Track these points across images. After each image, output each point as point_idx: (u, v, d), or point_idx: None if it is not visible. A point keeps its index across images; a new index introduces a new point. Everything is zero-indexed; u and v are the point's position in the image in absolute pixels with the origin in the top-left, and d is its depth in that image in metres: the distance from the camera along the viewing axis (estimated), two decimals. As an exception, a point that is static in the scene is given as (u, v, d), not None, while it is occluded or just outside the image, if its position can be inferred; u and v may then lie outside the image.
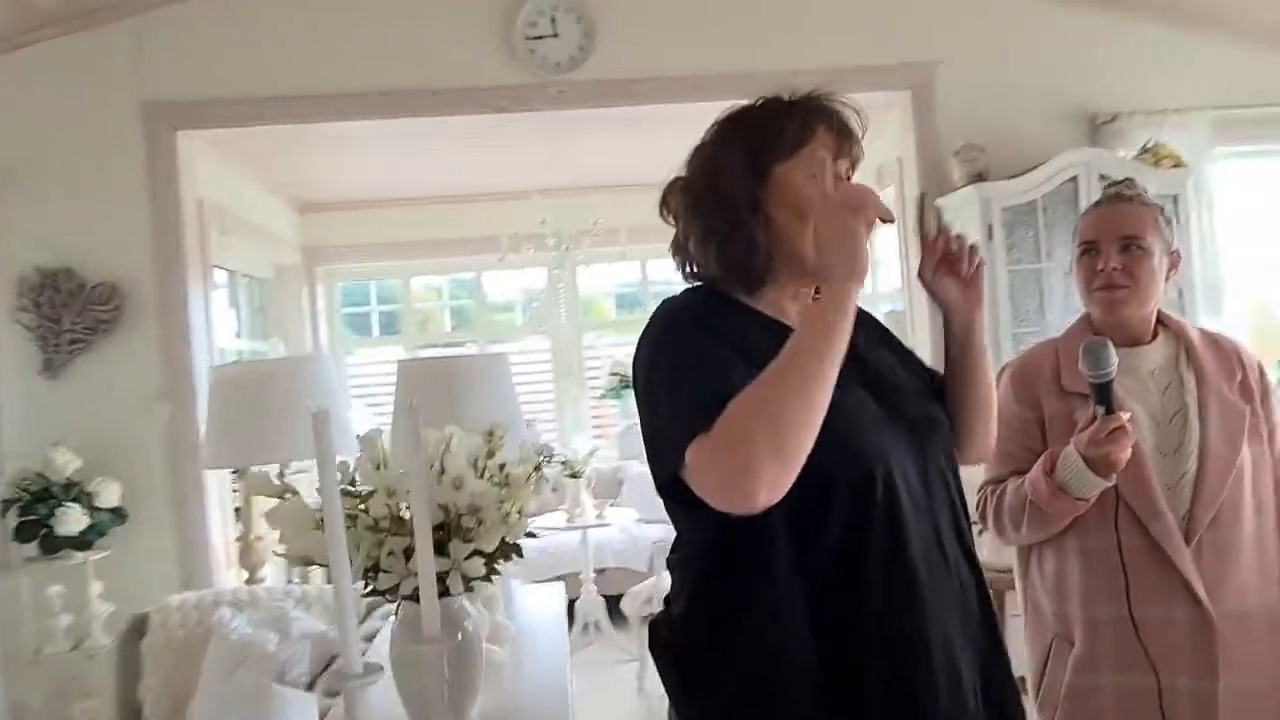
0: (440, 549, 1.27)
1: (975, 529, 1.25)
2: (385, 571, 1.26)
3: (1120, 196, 1.58)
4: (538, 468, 1.38)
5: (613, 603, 4.63)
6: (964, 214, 3.60)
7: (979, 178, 3.54)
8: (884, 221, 1.08)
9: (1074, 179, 3.57)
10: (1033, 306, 3.64)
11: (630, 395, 5.60)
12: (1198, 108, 3.77)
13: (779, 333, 1.08)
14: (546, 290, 6.02)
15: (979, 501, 1.59)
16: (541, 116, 4.12)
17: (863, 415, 1.11)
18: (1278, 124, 3.88)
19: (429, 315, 6.59)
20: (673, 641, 1.16)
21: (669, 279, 6.48)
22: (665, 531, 5.29)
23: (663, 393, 1.09)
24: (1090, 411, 1.43)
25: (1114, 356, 1.41)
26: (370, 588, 1.28)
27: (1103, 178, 3.56)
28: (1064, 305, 3.65)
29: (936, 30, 3.69)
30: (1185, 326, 1.59)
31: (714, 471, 1.01)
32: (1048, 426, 1.54)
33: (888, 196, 3.86)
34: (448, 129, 4.35)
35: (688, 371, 1.07)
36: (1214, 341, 1.58)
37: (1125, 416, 1.40)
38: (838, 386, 1.07)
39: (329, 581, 1.95)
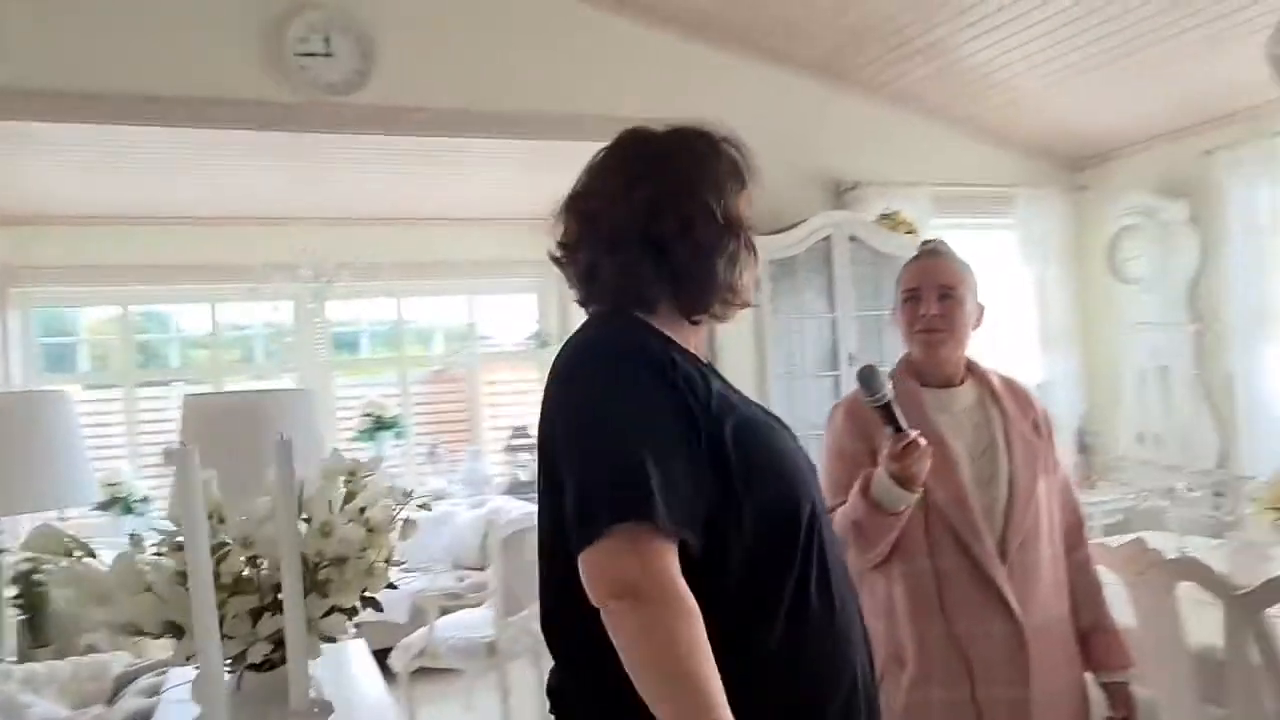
0: (294, 607, 1.11)
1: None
2: (228, 637, 1.08)
3: (937, 252, 1.76)
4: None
5: (376, 658, 4.30)
6: (734, 265, 3.81)
7: (748, 231, 3.78)
8: None
9: (828, 238, 3.92)
10: (794, 351, 3.94)
11: (385, 437, 5.19)
12: (922, 183, 4.32)
13: (705, 373, 1.09)
14: (296, 325, 5.57)
15: None
16: (302, 140, 3.85)
17: (791, 447, 1.12)
18: (980, 201, 4.57)
19: (148, 350, 5.85)
20: (590, 709, 1.05)
21: (423, 320, 6.26)
22: (426, 581, 4.94)
23: (598, 452, 0.98)
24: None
25: (885, 379, 1.53)
26: (206, 657, 1.09)
27: (852, 239, 3.95)
28: (817, 350, 3.98)
29: (701, 90, 3.89)
30: (988, 372, 1.79)
31: (606, 580, 0.93)
32: (878, 459, 1.65)
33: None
34: (193, 143, 3.93)
35: (629, 440, 0.97)
36: (1010, 385, 1.80)
37: (914, 434, 1.52)
38: (756, 418, 1.07)
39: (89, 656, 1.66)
